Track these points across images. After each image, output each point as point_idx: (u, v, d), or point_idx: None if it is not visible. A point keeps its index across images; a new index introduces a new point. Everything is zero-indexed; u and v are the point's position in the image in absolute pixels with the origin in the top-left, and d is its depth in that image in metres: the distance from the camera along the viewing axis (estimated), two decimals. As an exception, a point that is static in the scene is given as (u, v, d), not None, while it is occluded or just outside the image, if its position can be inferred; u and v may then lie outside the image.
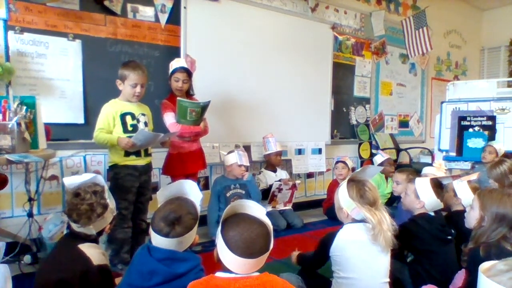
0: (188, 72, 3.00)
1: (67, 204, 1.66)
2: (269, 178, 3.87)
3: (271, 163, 3.94)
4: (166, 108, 2.94)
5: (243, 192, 3.43)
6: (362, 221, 1.75)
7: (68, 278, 1.52)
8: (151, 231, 1.45)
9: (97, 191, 1.67)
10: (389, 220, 1.70)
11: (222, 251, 1.21)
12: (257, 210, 1.30)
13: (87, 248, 1.61)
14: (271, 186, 3.72)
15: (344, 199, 1.78)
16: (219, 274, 1.23)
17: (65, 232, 2.29)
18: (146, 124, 2.64)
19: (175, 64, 3.00)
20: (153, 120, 2.78)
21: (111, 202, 1.73)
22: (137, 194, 2.61)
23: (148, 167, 2.69)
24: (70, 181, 1.70)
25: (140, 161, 2.60)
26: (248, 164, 3.43)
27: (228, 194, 3.38)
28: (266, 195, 3.71)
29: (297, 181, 3.88)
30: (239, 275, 1.21)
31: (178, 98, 2.81)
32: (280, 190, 3.73)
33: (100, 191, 1.69)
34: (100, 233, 1.72)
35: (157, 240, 1.43)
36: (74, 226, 1.64)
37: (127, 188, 2.53)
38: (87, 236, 1.66)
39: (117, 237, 2.51)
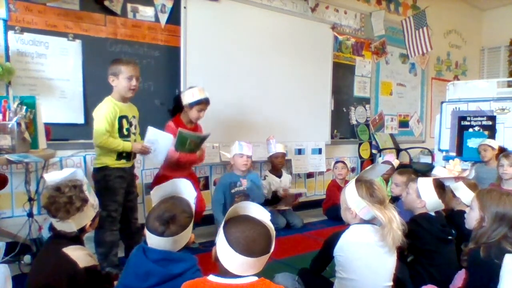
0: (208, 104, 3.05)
1: (47, 198, 1.64)
2: (273, 184, 3.80)
3: (273, 165, 3.91)
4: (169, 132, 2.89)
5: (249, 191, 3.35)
6: (369, 222, 1.74)
7: (55, 283, 1.51)
8: (146, 231, 1.45)
9: (77, 185, 1.66)
10: (398, 219, 1.68)
11: (222, 248, 1.20)
12: (261, 213, 1.29)
13: (72, 251, 1.59)
14: (275, 193, 3.69)
15: (352, 199, 1.76)
16: (212, 278, 1.21)
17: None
18: (135, 126, 2.61)
19: (197, 94, 2.99)
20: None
21: (91, 197, 1.72)
22: (126, 193, 2.57)
23: (132, 167, 2.68)
24: (51, 177, 1.70)
25: (128, 164, 2.58)
26: (251, 154, 3.31)
27: (233, 191, 3.29)
28: (270, 202, 3.68)
29: (302, 190, 3.82)
30: (233, 280, 1.19)
31: (179, 129, 2.78)
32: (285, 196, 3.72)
33: (79, 185, 1.68)
34: (81, 230, 1.68)
35: (152, 240, 1.42)
36: (54, 222, 1.63)
37: (117, 189, 2.49)
38: (68, 235, 1.64)
39: (106, 240, 2.44)
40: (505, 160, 3.23)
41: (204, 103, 3.00)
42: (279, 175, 3.90)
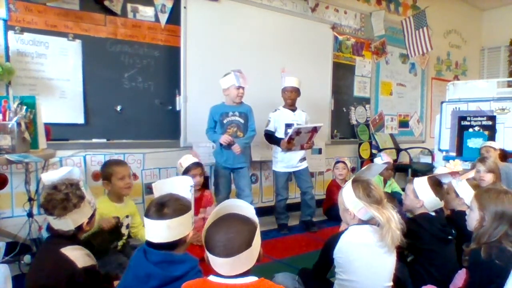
0: (200, 166, 2.93)
1: (44, 197, 1.65)
2: (285, 117, 3.63)
3: (284, 99, 3.69)
4: None
5: (242, 121, 3.30)
6: (367, 222, 1.74)
7: (53, 283, 1.51)
8: (144, 220, 1.46)
9: (73, 183, 1.67)
10: (396, 218, 1.67)
11: (206, 252, 1.22)
12: (244, 208, 1.29)
13: (70, 251, 1.59)
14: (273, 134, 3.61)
15: (350, 199, 1.75)
16: (212, 278, 1.22)
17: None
18: (127, 226, 2.46)
19: (184, 162, 2.90)
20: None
21: (88, 195, 1.72)
22: None
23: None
24: (48, 177, 1.70)
25: None
26: (247, 86, 3.25)
27: (225, 121, 3.25)
28: (271, 140, 3.63)
29: (319, 124, 3.57)
30: (233, 280, 1.19)
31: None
32: (298, 133, 3.46)
33: (76, 183, 1.68)
34: (79, 229, 1.69)
35: (147, 226, 1.43)
36: (51, 220, 1.63)
37: None
38: (65, 234, 1.64)
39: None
40: (481, 165, 2.80)
41: (192, 168, 2.85)
42: (292, 110, 3.68)
